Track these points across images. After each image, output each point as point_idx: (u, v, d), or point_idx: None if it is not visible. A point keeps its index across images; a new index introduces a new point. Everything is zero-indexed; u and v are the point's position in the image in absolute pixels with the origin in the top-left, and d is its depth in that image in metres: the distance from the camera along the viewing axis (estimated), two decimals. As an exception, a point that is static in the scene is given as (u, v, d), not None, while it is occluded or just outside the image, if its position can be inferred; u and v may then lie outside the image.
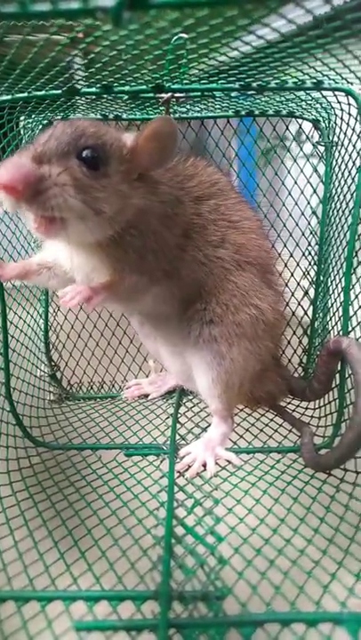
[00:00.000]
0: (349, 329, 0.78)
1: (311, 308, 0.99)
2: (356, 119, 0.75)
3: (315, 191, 0.95)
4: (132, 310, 0.86)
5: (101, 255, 0.67)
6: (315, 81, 0.70)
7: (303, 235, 0.99)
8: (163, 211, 0.69)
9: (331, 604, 0.52)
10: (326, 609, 0.51)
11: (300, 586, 0.54)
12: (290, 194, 0.98)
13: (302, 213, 0.98)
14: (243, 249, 0.77)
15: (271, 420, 0.90)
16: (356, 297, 0.77)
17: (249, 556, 0.58)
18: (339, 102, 0.76)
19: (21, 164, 0.55)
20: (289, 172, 0.98)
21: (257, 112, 0.91)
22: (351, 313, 0.78)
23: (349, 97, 0.73)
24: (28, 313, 0.96)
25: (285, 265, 0.99)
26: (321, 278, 0.96)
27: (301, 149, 0.95)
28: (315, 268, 0.97)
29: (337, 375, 0.80)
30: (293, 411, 0.91)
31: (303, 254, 0.99)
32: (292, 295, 1.00)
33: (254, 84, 0.72)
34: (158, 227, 0.69)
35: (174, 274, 0.73)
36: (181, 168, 0.77)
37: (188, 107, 0.88)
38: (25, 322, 0.94)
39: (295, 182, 0.97)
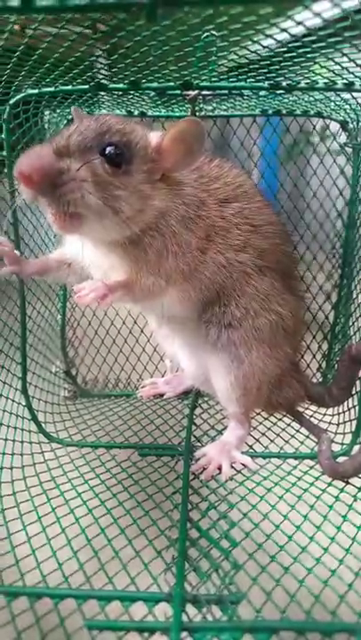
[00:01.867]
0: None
1: (333, 312, 0.98)
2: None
3: (341, 193, 0.94)
4: (149, 311, 0.86)
5: (120, 254, 0.66)
6: (346, 82, 0.68)
7: (328, 237, 0.97)
8: (185, 212, 0.68)
9: (347, 613, 0.51)
10: (342, 619, 0.50)
11: (315, 594, 0.53)
12: (315, 195, 0.97)
13: (327, 215, 0.97)
14: (265, 254, 0.76)
15: (288, 424, 0.88)
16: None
17: (264, 562, 0.57)
18: (369, 104, 0.75)
19: (42, 155, 0.54)
20: (315, 172, 0.96)
21: (284, 111, 0.90)
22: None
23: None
24: (46, 308, 0.96)
25: (308, 268, 0.98)
26: (344, 282, 0.94)
27: (328, 150, 0.94)
28: (339, 271, 0.96)
29: (358, 382, 0.79)
30: (311, 416, 0.89)
31: (327, 257, 0.97)
32: (314, 299, 0.99)
33: (284, 84, 0.71)
34: (179, 229, 0.68)
35: (193, 276, 0.72)
36: (207, 169, 0.75)
37: (214, 105, 0.87)
38: (43, 317, 0.94)
39: (321, 183, 0.96)
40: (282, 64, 0.63)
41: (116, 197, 0.58)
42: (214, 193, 0.74)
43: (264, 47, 0.59)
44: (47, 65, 0.63)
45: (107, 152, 0.58)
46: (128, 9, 0.42)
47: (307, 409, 0.92)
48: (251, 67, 0.67)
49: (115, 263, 0.67)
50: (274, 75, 0.68)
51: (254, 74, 0.69)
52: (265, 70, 0.67)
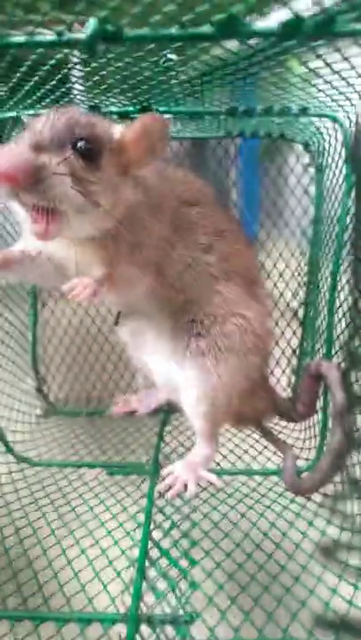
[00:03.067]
0: (333, 352, 0.78)
1: (300, 328, 0.99)
2: (342, 144, 0.75)
3: (305, 212, 0.96)
4: (129, 308, 0.85)
5: (95, 248, 0.65)
6: (300, 107, 0.70)
7: (293, 255, 0.99)
8: (152, 203, 0.68)
9: (298, 631, 0.52)
10: (293, 635, 0.51)
11: (269, 612, 0.54)
12: (281, 215, 0.99)
13: (292, 233, 0.99)
14: (229, 258, 0.77)
15: (256, 441, 0.89)
16: (340, 319, 0.77)
17: (221, 581, 0.58)
18: (326, 127, 0.77)
19: (20, 153, 0.53)
20: (280, 193, 0.98)
21: (248, 133, 0.92)
22: (335, 336, 0.78)
23: (335, 123, 0.74)
24: (14, 326, 0.96)
25: (275, 285, 1.00)
26: (310, 299, 0.96)
27: (292, 172, 0.96)
28: (304, 288, 0.97)
29: (321, 397, 0.80)
30: (280, 432, 0.90)
31: (293, 274, 0.99)
32: (282, 315, 1.00)
33: (240, 109, 0.73)
34: (150, 220, 0.68)
35: (165, 270, 0.73)
36: (171, 173, 0.76)
37: (179, 126, 0.89)
38: (11, 336, 0.95)
39: (286, 203, 0.98)
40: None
41: (92, 192, 0.58)
42: (178, 193, 0.74)
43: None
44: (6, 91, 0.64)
45: (78, 146, 0.57)
46: (68, 46, 0.43)
47: (276, 424, 0.93)
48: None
49: (90, 258, 0.66)
50: (229, 100, 0.69)
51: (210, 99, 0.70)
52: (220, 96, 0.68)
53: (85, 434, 0.94)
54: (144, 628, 0.53)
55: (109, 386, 1.09)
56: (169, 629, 0.52)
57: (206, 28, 0.40)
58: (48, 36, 0.42)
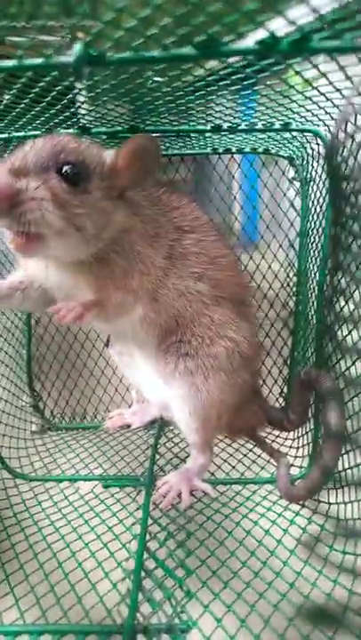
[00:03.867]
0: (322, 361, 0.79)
1: (291, 338, 1.00)
2: (324, 158, 0.77)
3: (292, 224, 0.98)
4: (117, 332, 0.86)
5: (85, 273, 0.66)
6: (282, 122, 0.73)
7: (282, 266, 1.01)
8: (145, 230, 0.69)
9: (295, 637, 0.53)
10: (290, 641, 0.52)
11: (265, 619, 0.54)
12: (268, 227, 1.01)
13: (280, 246, 1.01)
14: (220, 284, 0.78)
15: (250, 450, 0.90)
16: (328, 328, 0.79)
17: (217, 589, 0.59)
18: (309, 142, 0.79)
19: None
20: (267, 206, 1.01)
21: (234, 149, 0.94)
22: (324, 345, 0.79)
23: (318, 137, 0.76)
24: (9, 344, 0.97)
25: (265, 295, 1.01)
26: (300, 309, 0.97)
27: (278, 185, 0.98)
28: (293, 298, 0.99)
29: (313, 405, 0.81)
30: (273, 441, 0.91)
31: (282, 285, 1.01)
32: (273, 325, 1.02)
33: (225, 126, 0.75)
34: (143, 245, 0.69)
35: (156, 297, 0.74)
36: (165, 198, 0.77)
37: (167, 144, 0.91)
38: (7, 353, 0.95)
39: (273, 216, 1.00)
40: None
41: (76, 215, 0.58)
42: (172, 220, 0.75)
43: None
44: (13, 114, 0.65)
45: (63, 171, 0.57)
46: (55, 69, 0.45)
47: (269, 434, 0.94)
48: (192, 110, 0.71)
49: (80, 283, 0.67)
50: (214, 117, 0.72)
51: (196, 117, 0.73)
52: (206, 113, 0.71)
53: (80, 448, 0.95)
54: (140, 639, 0.53)
55: (104, 400, 1.10)
56: (165, 638, 0.53)
57: (188, 50, 0.42)
58: (36, 59, 0.44)
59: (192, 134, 0.81)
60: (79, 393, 1.09)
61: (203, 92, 0.64)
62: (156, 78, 0.69)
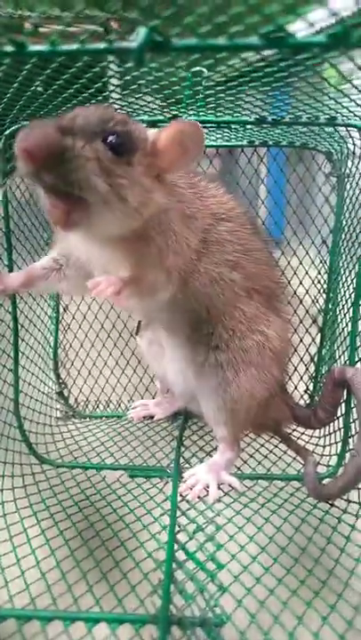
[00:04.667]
0: (356, 359, 0.78)
1: (319, 335, 1.00)
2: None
3: (326, 221, 0.97)
4: (149, 316, 0.85)
5: (122, 249, 0.65)
6: (328, 117, 0.71)
7: (313, 263, 1.00)
8: (182, 210, 0.68)
9: (328, 635, 0.52)
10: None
11: (298, 616, 0.54)
12: (301, 223, 1.00)
13: (313, 242, 1.00)
14: (253, 277, 0.78)
15: (275, 446, 0.90)
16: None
17: (249, 584, 0.59)
18: (351, 137, 0.78)
19: (46, 131, 0.51)
20: (301, 201, 0.99)
21: (271, 142, 0.93)
22: (359, 343, 0.78)
23: (361, 132, 0.75)
24: (39, 330, 0.97)
25: (295, 292, 1.00)
26: (330, 306, 0.97)
27: (314, 180, 0.97)
28: (324, 296, 0.98)
29: (342, 404, 0.81)
30: (298, 438, 0.91)
31: (313, 282, 1.00)
32: (301, 322, 1.01)
33: (269, 118, 0.74)
34: (180, 226, 0.68)
35: (189, 281, 0.72)
36: (203, 185, 0.76)
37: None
38: (35, 339, 0.96)
39: (307, 212, 0.99)
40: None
41: (119, 185, 0.56)
42: (209, 206, 0.75)
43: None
44: (41, 99, 0.65)
45: (109, 140, 0.56)
46: (117, 53, 0.44)
47: (294, 430, 0.94)
48: (237, 102, 0.70)
49: (116, 259, 0.66)
50: (259, 109, 0.71)
51: (240, 108, 0.72)
52: (251, 105, 0.70)
53: (105, 436, 0.95)
54: (175, 630, 0.53)
55: (129, 390, 1.10)
56: (199, 632, 0.53)
57: (254, 40, 0.41)
58: (99, 44, 0.43)
59: (233, 126, 0.80)
60: (103, 381, 1.09)
61: (236, 84, 0.63)
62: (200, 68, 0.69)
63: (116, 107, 0.73)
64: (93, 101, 0.67)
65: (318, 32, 0.41)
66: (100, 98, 0.66)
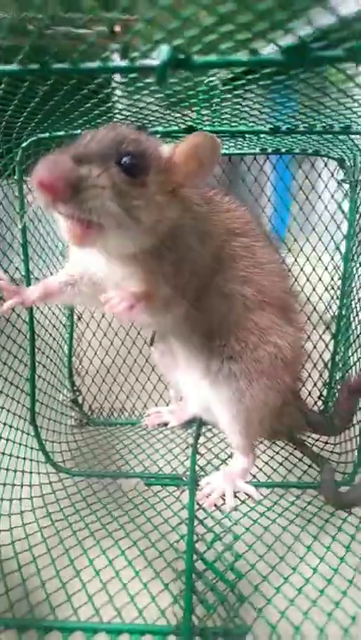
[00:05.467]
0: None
1: (333, 341, 1.00)
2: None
3: (338, 227, 0.97)
4: (161, 329, 0.85)
5: (136, 266, 0.65)
6: (343, 125, 0.72)
7: (326, 269, 1.00)
8: (197, 227, 0.68)
9: (352, 646, 0.52)
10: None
11: (320, 627, 0.54)
12: (314, 229, 1.00)
13: (326, 248, 1.00)
14: (265, 290, 0.77)
15: (290, 453, 0.90)
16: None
17: (268, 595, 0.59)
18: (365, 144, 0.78)
19: (60, 162, 0.52)
20: (313, 208, 1.00)
21: (283, 150, 0.93)
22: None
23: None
24: (53, 338, 0.98)
25: (308, 298, 1.01)
26: (343, 312, 0.97)
27: (326, 187, 0.97)
28: (337, 302, 0.98)
29: (358, 412, 0.81)
30: (313, 445, 0.91)
31: (326, 288, 1.00)
32: (314, 328, 1.01)
33: (283, 127, 0.74)
34: (194, 242, 0.68)
35: (202, 298, 0.73)
36: (218, 200, 0.77)
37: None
38: (51, 347, 0.96)
39: (319, 218, 0.99)
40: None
41: (134, 207, 0.57)
42: (224, 221, 0.75)
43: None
44: (58, 113, 0.66)
45: (123, 162, 0.56)
46: (139, 71, 0.45)
47: (308, 437, 0.94)
48: (252, 112, 0.70)
49: (129, 275, 0.66)
50: (273, 119, 0.71)
51: (255, 118, 0.72)
52: (265, 116, 0.70)
53: (120, 444, 0.95)
54: (197, 640, 0.54)
55: (142, 397, 1.10)
56: (222, 642, 0.53)
57: (276, 55, 0.41)
58: (121, 62, 0.44)
59: (247, 135, 0.80)
60: (117, 389, 1.10)
61: (238, 92, 0.63)
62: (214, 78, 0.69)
63: (132, 119, 0.74)
64: (110, 115, 0.68)
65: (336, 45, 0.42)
66: (116, 111, 0.67)
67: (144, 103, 0.68)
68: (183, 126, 0.76)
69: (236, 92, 0.65)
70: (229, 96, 0.68)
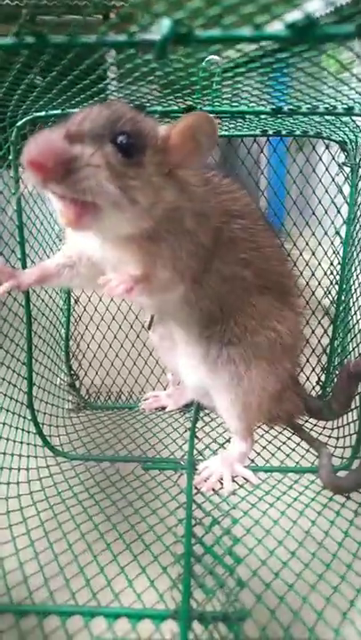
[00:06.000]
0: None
1: (331, 327, 0.99)
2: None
3: (339, 211, 0.96)
4: (160, 312, 0.84)
5: (133, 249, 0.64)
6: (346, 106, 0.70)
7: (326, 254, 0.99)
8: (194, 208, 0.66)
9: (349, 630, 0.53)
10: (345, 636, 0.52)
11: (318, 611, 0.54)
12: (313, 213, 0.99)
13: (326, 233, 0.99)
14: (265, 274, 0.77)
15: (289, 438, 0.90)
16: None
17: (267, 579, 0.59)
18: (368, 126, 0.77)
19: (53, 140, 0.50)
20: (314, 191, 0.98)
21: (284, 132, 0.92)
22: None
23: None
24: (50, 322, 0.97)
25: (307, 283, 1.00)
26: (343, 298, 0.96)
27: (327, 170, 0.96)
28: (336, 287, 0.97)
29: (357, 397, 0.80)
30: (311, 430, 0.91)
31: (325, 273, 0.99)
32: (313, 314, 1.00)
33: (285, 108, 0.73)
34: (193, 225, 0.66)
35: (201, 281, 0.72)
36: (217, 181, 0.75)
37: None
38: (48, 331, 0.95)
39: (319, 202, 0.98)
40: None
41: (130, 187, 0.55)
42: (222, 203, 0.73)
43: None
44: (55, 90, 0.64)
45: (118, 141, 0.54)
46: (138, 46, 0.43)
47: (306, 422, 0.94)
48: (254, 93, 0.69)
49: (127, 257, 0.65)
50: (275, 100, 0.69)
51: (256, 98, 0.70)
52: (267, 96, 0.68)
53: (118, 428, 0.95)
54: (196, 625, 0.54)
55: (140, 381, 1.10)
56: (221, 627, 0.53)
57: (282, 31, 0.40)
58: (119, 36, 0.42)
59: (247, 116, 0.78)
60: (115, 373, 1.09)
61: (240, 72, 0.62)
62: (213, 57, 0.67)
63: (131, 98, 0.72)
64: (108, 92, 0.66)
65: (344, 19, 0.40)
66: (114, 89, 0.65)
67: (142, 82, 0.67)
68: (183, 106, 0.74)
69: (237, 71, 0.64)
70: (230, 75, 0.66)
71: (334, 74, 0.56)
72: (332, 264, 0.98)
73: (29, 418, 0.86)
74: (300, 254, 1.00)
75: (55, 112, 0.77)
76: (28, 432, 0.85)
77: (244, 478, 0.78)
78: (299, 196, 1.01)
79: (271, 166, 1.01)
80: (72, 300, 1.03)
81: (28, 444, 0.83)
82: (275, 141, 0.99)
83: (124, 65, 0.58)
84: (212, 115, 0.72)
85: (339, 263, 0.97)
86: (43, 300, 0.94)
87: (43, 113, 0.77)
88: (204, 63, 0.67)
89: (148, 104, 0.74)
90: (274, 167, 1.02)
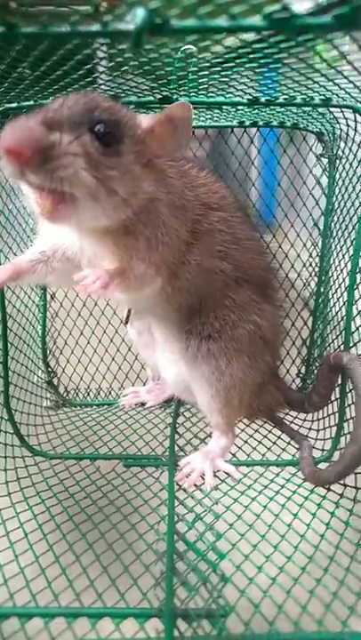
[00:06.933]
0: (351, 344, 0.78)
1: (311, 319, 0.99)
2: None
3: (317, 203, 0.96)
4: (138, 307, 0.82)
5: (109, 242, 0.63)
6: (323, 97, 0.70)
7: (305, 246, 0.99)
8: (171, 200, 0.66)
9: (333, 623, 0.53)
10: (328, 628, 0.52)
11: (302, 605, 0.54)
12: (292, 205, 0.99)
13: (304, 225, 0.98)
14: (243, 266, 0.76)
15: (269, 431, 0.90)
16: (359, 312, 0.77)
17: (251, 574, 0.59)
18: (345, 117, 0.77)
19: (29, 127, 0.49)
20: (292, 183, 0.98)
21: (261, 123, 0.91)
22: (353, 328, 0.78)
23: (356, 114, 0.73)
24: (26, 319, 0.95)
25: (286, 275, 1.00)
26: (322, 290, 0.96)
27: (305, 161, 0.96)
28: (315, 279, 0.97)
29: (337, 389, 0.81)
30: (291, 422, 0.91)
31: (304, 265, 0.99)
32: (293, 306, 1.00)
33: (262, 99, 0.72)
34: (169, 217, 0.66)
35: (178, 273, 0.71)
36: (194, 174, 0.74)
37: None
38: (23, 328, 0.93)
39: (298, 193, 0.98)
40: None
41: (108, 177, 0.54)
42: (199, 195, 0.73)
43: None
44: (27, 82, 0.62)
45: (96, 129, 0.53)
46: (113, 36, 0.42)
47: (287, 414, 0.94)
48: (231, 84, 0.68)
49: (103, 251, 0.64)
50: (252, 90, 0.69)
51: (233, 89, 0.69)
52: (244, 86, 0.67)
53: (97, 425, 0.94)
54: (180, 622, 0.53)
55: (119, 377, 1.09)
56: (205, 623, 0.53)
57: (257, 21, 0.39)
58: (92, 26, 0.41)
59: (224, 107, 0.77)
60: (93, 369, 1.08)
61: (227, 63, 0.61)
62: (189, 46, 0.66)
63: (105, 88, 0.70)
64: (82, 83, 0.64)
65: (322, 11, 0.40)
66: (89, 79, 0.63)
67: (116, 72, 0.65)
68: (159, 96, 0.73)
69: (214, 62, 0.63)
70: (207, 65, 0.65)
71: (325, 61, 0.56)
72: (310, 256, 0.98)
73: (6, 418, 0.85)
74: (280, 246, 1.00)
75: (28, 103, 0.75)
76: (5, 432, 0.83)
77: (226, 473, 0.78)
78: (277, 188, 1.01)
79: (249, 158, 1.00)
80: (48, 296, 1.01)
81: (4, 444, 0.81)
82: (265, 132, 0.98)
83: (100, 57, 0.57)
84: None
85: (317, 255, 0.97)
86: (18, 297, 0.92)
87: (14, 104, 0.75)
88: (179, 53, 0.66)
89: (123, 94, 0.73)
90: (252, 159, 1.01)
